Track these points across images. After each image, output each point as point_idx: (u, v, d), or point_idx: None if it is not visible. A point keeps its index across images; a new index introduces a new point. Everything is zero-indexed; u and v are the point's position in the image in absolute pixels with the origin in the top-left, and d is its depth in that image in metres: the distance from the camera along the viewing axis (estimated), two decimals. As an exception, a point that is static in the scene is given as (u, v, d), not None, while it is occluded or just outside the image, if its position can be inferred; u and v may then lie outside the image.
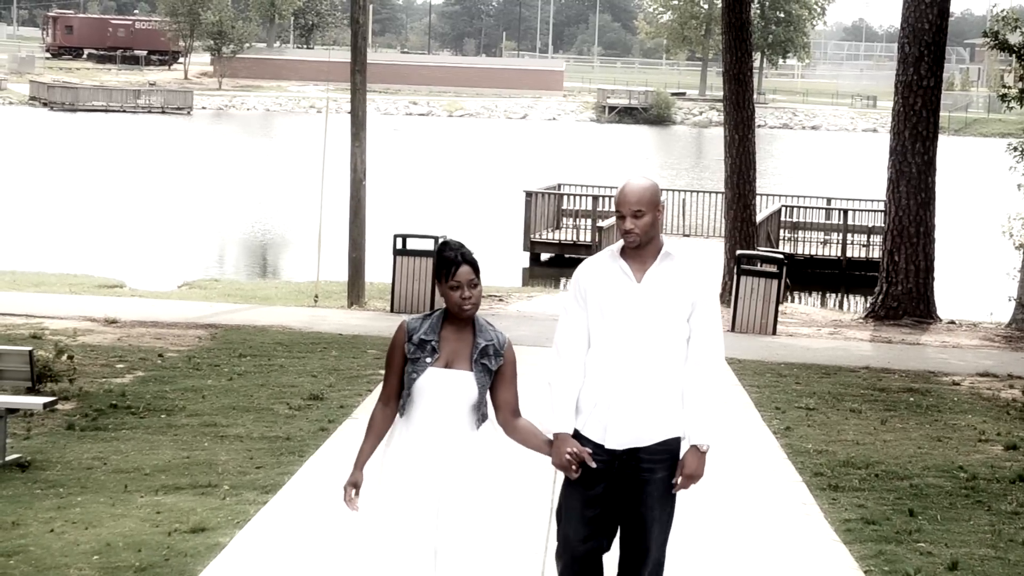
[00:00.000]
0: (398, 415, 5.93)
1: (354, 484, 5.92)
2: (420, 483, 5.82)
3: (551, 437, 6.02)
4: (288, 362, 15.02)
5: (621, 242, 6.10)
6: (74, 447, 10.91)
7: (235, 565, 8.05)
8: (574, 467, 5.92)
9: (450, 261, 5.86)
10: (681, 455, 6.04)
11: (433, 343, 5.86)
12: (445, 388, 5.84)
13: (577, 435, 6.03)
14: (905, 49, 20.71)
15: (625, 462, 6.01)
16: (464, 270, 5.85)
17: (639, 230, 5.95)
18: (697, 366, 6.00)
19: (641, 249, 6.00)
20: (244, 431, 11.67)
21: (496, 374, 5.94)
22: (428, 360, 5.84)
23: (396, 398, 5.95)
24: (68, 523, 8.82)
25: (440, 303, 6.12)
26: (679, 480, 6.01)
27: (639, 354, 5.96)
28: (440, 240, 5.98)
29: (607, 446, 5.99)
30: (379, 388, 6.12)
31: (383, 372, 6.10)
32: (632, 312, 5.97)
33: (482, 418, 5.92)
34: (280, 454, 10.86)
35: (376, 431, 5.96)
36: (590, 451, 5.95)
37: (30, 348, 11.02)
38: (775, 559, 8.62)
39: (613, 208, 6.14)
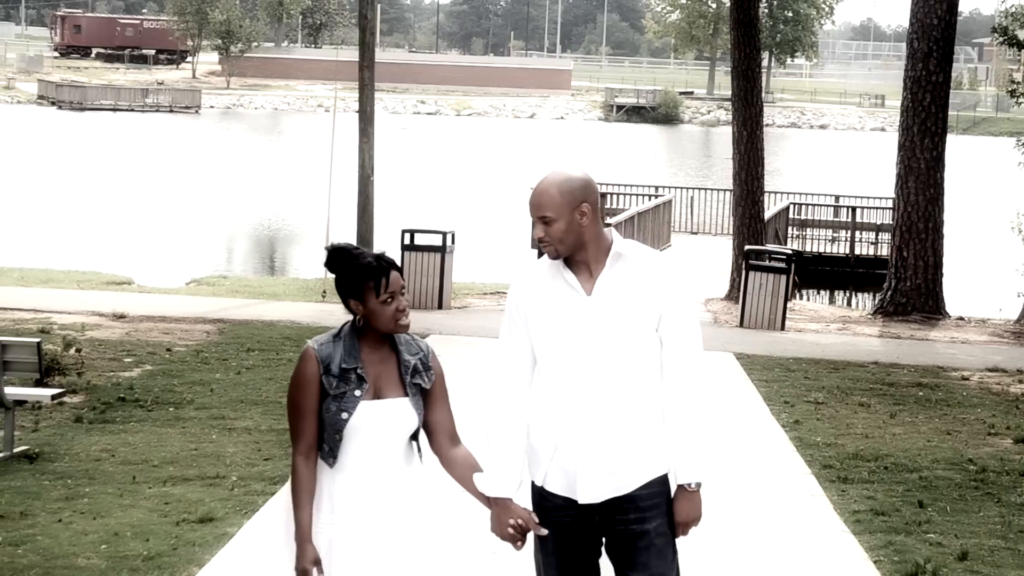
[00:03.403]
0: (323, 464, 4.88)
1: (315, 562, 4.83)
2: (369, 539, 4.85)
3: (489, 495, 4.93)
4: (296, 356, 14.95)
5: None
6: (82, 439, 10.91)
7: (243, 554, 8.06)
8: (519, 543, 4.89)
9: (376, 269, 4.81)
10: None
11: (359, 371, 4.83)
12: (382, 423, 4.84)
13: (542, 494, 4.94)
14: (914, 44, 20.67)
15: (607, 515, 4.90)
16: (395, 276, 4.83)
17: (551, 239, 4.88)
18: (673, 385, 4.92)
19: (582, 253, 4.91)
20: (252, 424, 11.67)
21: (427, 392, 4.95)
22: (358, 393, 4.81)
23: (317, 447, 4.87)
24: (76, 513, 8.82)
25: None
26: (676, 530, 5.00)
27: (602, 381, 4.85)
28: (331, 247, 4.91)
29: (580, 501, 4.87)
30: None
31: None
32: (586, 331, 4.86)
33: (419, 445, 5.00)
34: (288, 446, 10.76)
35: (310, 492, 4.86)
36: (537, 519, 4.89)
37: (38, 340, 11.00)
38: (785, 549, 8.60)
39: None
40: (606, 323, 4.87)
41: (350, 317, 4.99)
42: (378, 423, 4.83)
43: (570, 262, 4.94)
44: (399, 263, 4.94)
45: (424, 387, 4.90)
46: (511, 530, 4.86)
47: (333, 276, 4.94)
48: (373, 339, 4.89)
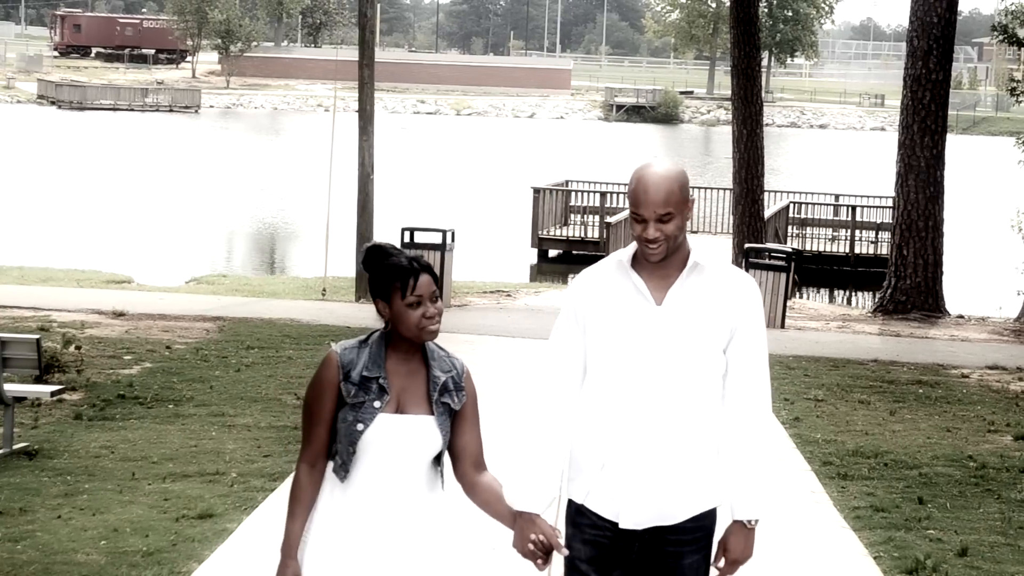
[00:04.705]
0: (334, 477, 4.55)
1: None
2: (373, 562, 4.49)
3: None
4: (296, 354, 15.01)
5: (631, 248, 4.60)
6: (82, 436, 10.90)
7: (242, 550, 8.06)
8: (540, 560, 4.53)
9: (406, 270, 4.51)
10: (722, 530, 4.68)
11: (381, 381, 4.51)
12: (401, 440, 4.50)
13: (580, 511, 4.61)
14: (914, 43, 20.67)
15: (647, 543, 4.56)
16: (425, 280, 4.52)
17: (666, 237, 4.47)
18: (738, 414, 4.58)
19: (663, 260, 4.53)
20: (252, 421, 11.67)
21: (456, 413, 4.62)
22: (377, 404, 4.48)
23: (326, 457, 4.56)
24: (75, 510, 8.82)
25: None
26: (721, 565, 4.66)
27: (662, 399, 4.49)
28: (369, 245, 4.64)
29: (621, 525, 4.54)
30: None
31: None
32: (651, 344, 4.49)
33: (443, 471, 4.68)
34: (287, 443, 10.84)
35: (307, 504, 4.55)
36: (559, 531, 4.56)
37: (37, 336, 11.00)
38: (785, 546, 8.59)
39: (627, 204, 4.63)
40: (674, 337, 4.50)
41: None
42: (396, 439, 4.49)
43: (639, 265, 4.56)
44: None
45: (453, 408, 4.57)
46: (532, 546, 4.50)
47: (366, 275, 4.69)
48: (403, 349, 4.56)
